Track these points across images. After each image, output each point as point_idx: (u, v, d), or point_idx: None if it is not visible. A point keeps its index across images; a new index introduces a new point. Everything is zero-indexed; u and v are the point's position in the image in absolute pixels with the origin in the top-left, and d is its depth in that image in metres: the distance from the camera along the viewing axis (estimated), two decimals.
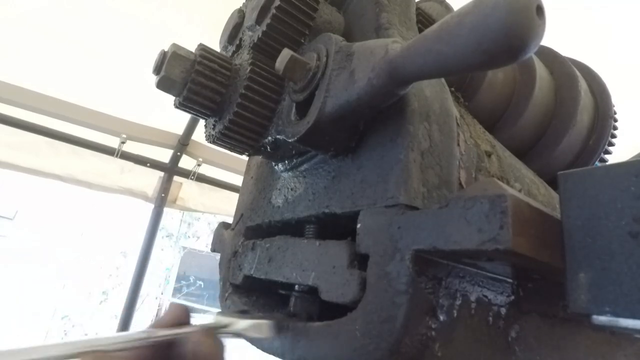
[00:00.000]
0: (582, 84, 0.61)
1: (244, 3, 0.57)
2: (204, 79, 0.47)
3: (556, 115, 0.60)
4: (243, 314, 0.45)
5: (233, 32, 0.55)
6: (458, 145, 0.40)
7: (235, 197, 0.71)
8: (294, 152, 0.48)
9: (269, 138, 0.46)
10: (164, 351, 0.32)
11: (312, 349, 0.37)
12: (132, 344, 0.30)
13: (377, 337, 0.31)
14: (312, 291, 0.41)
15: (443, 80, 0.43)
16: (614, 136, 0.63)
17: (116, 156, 2.14)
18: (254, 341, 0.47)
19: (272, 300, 0.54)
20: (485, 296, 0.37)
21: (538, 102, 0.57)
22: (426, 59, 0.29)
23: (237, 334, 0.36)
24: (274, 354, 0.42)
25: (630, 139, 0.97)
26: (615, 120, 0.63)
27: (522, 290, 0.41)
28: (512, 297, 0.40)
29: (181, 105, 0.48)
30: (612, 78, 0.71)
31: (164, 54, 0.48)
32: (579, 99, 0.59)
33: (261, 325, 0.37)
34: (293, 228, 0.48)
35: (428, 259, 0.31)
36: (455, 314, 0.34)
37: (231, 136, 0.47)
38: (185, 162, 2.44)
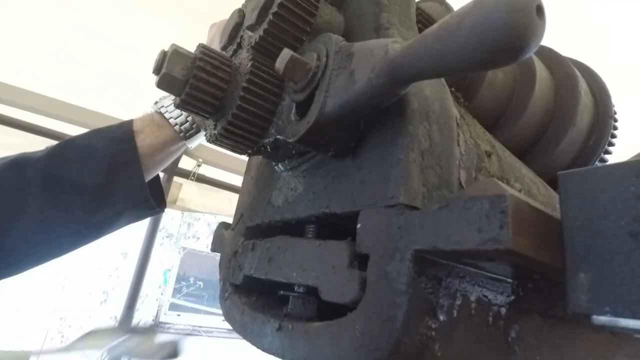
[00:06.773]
0: (582, 84, 0.61)
1: (243, 3, 0.57)
2: (205, 74, 0.47)
3: (556, 115, 0.60)
4: None
5: (233, 32, 0.55)
6: (458, 145, 0.40)
7: (235, 197, 0.71)
8: (294, 152, 0.48)
9: (269, 138, 0.46)
10: None
11: (312, 349, 0.37)
12: None
13: (377, 337, 0.31)
14: (312, 291, 0.41)
15: (443, 80, 0.43)
16: (614, 136, 0.63)
17: None
18: (254, 341, 0.47)
19: (272, 300, 0.54)
20: (485, 296, 0.37)
21: (538, 102, 0.57)
22: (426, 59, 0.29)
23: None
24: (274, 354, 0.42)
25: (630, 139, 0.97)
26: (615, 120, 0.63)
27: (522, 290, 0.41)
28: (512, 297, 0.40)
29: (182, 103, 0.47)
30: (612, 78, 0.71)
31: (164, 54, 0.48)
32: (579, 99, 0.59)
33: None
34: (293, 228, 0.48)
35: (428, 259, 0.31)
36: (455, 314, 0.34)
37: (231, 137, 0.47)
38: (185, 163, 2.44)
